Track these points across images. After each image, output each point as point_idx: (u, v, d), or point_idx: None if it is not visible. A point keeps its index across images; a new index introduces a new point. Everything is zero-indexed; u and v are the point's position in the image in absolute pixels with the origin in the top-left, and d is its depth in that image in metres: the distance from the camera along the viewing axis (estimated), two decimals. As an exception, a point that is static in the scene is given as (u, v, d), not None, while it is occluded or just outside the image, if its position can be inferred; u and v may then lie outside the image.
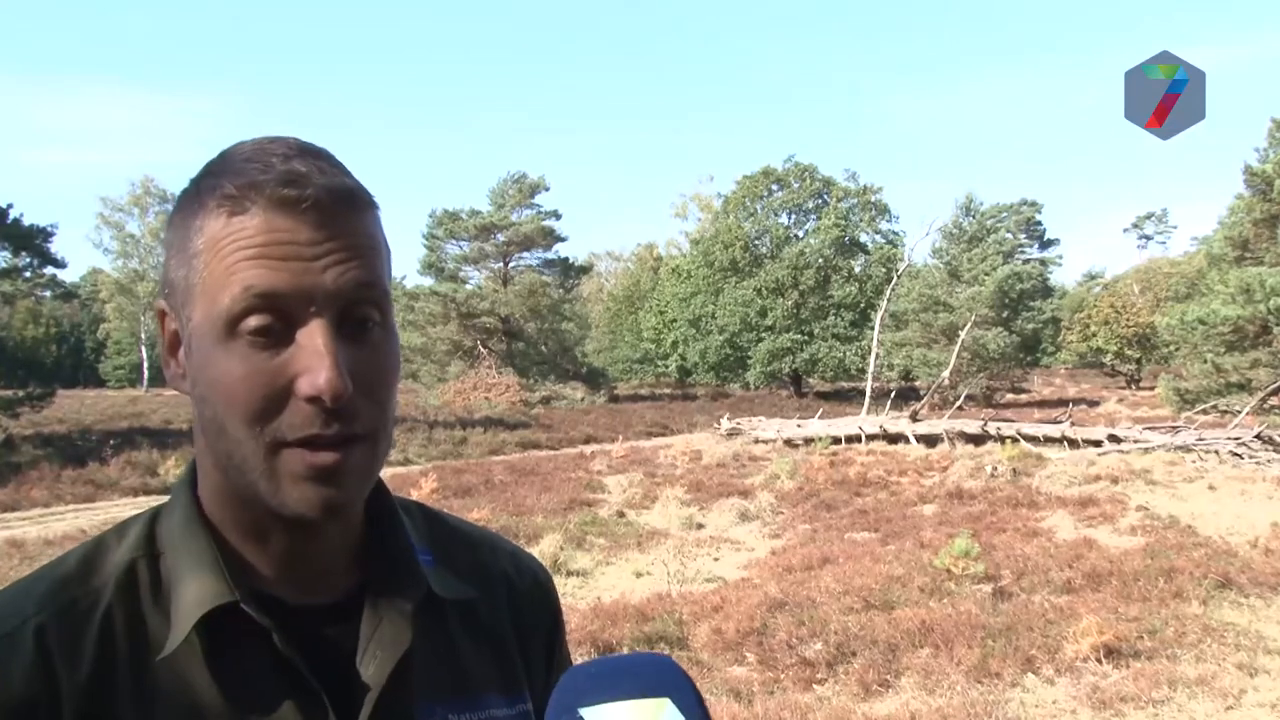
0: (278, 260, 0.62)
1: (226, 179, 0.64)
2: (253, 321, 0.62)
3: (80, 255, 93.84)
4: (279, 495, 0.64)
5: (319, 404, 0.62)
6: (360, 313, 0.65)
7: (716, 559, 9.39)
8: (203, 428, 0.66)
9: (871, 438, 19.56)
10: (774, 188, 39.66)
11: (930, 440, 18.69)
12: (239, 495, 0.66)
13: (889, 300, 27.53)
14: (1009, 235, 41.76)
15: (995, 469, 13.56)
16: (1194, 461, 13.78)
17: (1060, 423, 18.32)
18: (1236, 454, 14.02)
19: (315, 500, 0.63)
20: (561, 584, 8.06)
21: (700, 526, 11.05)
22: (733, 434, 21.04)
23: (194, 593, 0.65)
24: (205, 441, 0.67)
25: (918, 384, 35.23)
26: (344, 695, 0.67)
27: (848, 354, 36.00)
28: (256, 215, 0.63)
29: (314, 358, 0.62)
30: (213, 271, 0.63)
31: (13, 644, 0.62)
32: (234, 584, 0.65)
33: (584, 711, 0.61)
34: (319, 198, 0.63)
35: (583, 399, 33.39)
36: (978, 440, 18.24)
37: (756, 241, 39.19)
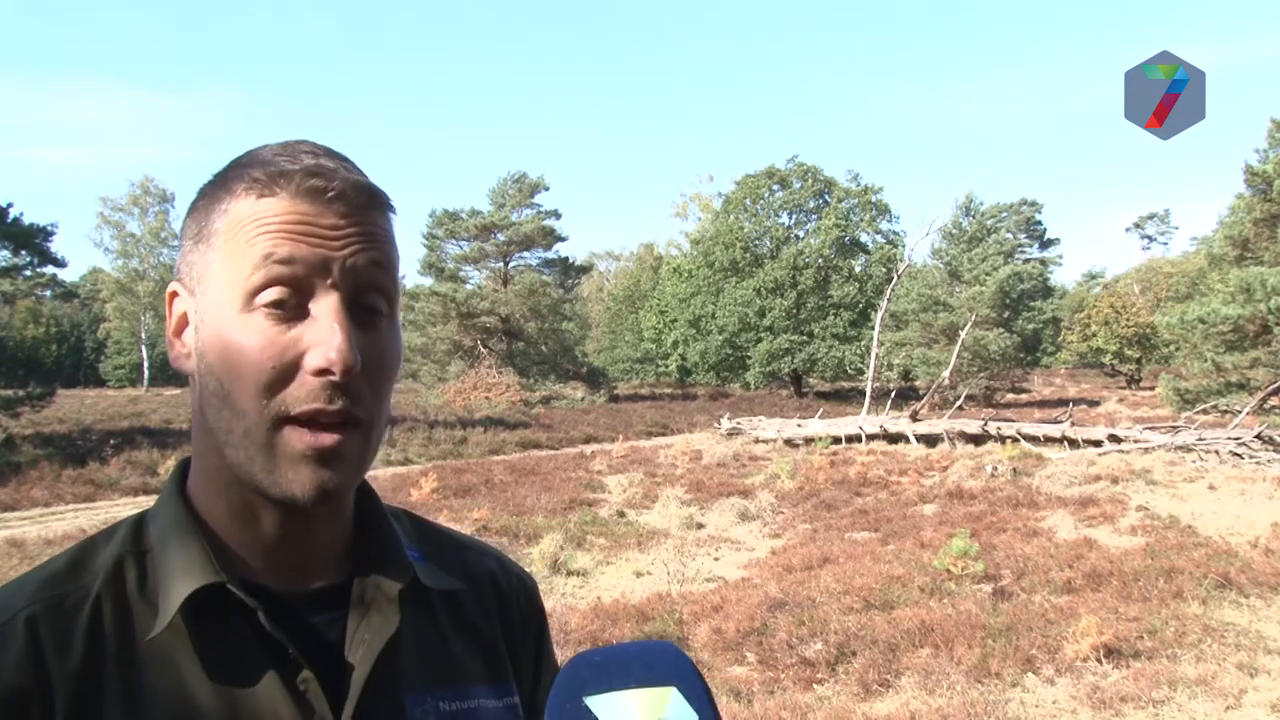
0: (300, 236, 0.65)
1: (255, 168, 0.67)
2: (270, 294, 0.65)
3: (80, 255, 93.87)
4: (274, 474, 0.65)
5: (327, 376, 0.64)
6: (370, 300, 0.68)
7: (716, 559, 9.39)
8: (204, 404, 0.68)
9: (872, 437, 19.57)
10: (775, 188, 39.64)
11: (930, 440, 18.70)
12: (233, 475, 0.67)
13: (889, 300, 27.50)
14: (1009, 235, 41.79)
15: (995, 469, 13.56)
16: (1194, 461, 13.78)
17: (1060, 423, 18.32)
18: (1236, 454, 14.01)
19: (310, 482, 0.65)
20: (561, 584, 8.06)
21: (700, 526, 11.05)
22: (733, 434, 21.04)
23: (180, 578, 0.66)
24: (204, 419, 0.68)
25: (918, 384, 35.24)
26: (333, 680, 0.67)
27: (847, 354, 35.98)
28: (284, 200, 0.66)
29: (326, 332, 0.64)
30: (234, 246, 0.66)
31: (4, 635, 0.62)
32: (221, 571, 0.66)
33: (589, 700, 0.60)
34: (344, 190, 0.67)
35: (583, 399, 33.39)
36: (978, 440, 18.25)
37: (756, 242, 39.17)
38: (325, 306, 0.65)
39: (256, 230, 0.65)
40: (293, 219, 0.65)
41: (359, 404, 0.66)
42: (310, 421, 0.64)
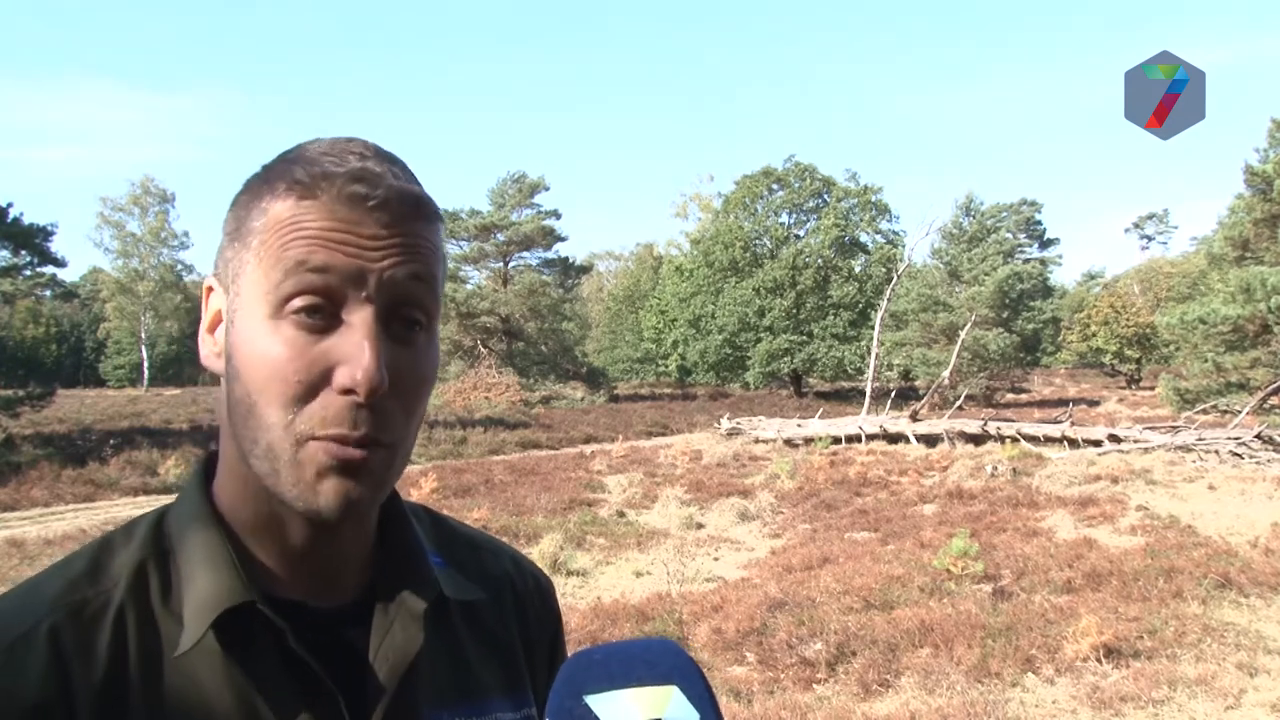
0: (336, 244, 0.62)
1: (299, 167, 0.64)
2: (301, 301, 0.62)
3: (80, 255, 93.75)
4: (298, 488, 0.63)
5: (351, 397, 0.61)
6: (409, 312, 0.65)
7: (716, 559, 9.39)
8: (230, 409, 0.65)
9: (871, 437, 19.57)
10: (774, 187, 39.64)
11: (930, 440, 18.70)
12: (260, 485, 0.65)
13: (889, 300, 27.51)
14: (1009, 235, 41.84)
15: (995, 469, 13.56)
16: (1194, 461, 13.77)
17: (1060, 422, 18.32)
18: (1236, 454, 14.01)
19: (334, 494, 0.62)
20: (561, 584, 8.06)
21: (700, 526, 11.05)
22: (733, 434, 21.04)
23: (208, 591, 0.64)
24: (231, 424, 0.66)
25: (918, 384, 35.23)
26: (357, 698, 0.66)
27: (846, 354, 35.99)
28: (325, 204, 0.63)
29: (355, 348, 0.61)
30: (269, 248, 0.63)
31: (28, 645, 0.61)
32: (249, 586, 0.64)
33: (589, 699, 0.59)
34: (388, 198, 0.63)
35: (583, 399, 33.40)
36: (978, 440, 18.25)
37: (756, 241, 39.18)
38: (358, 320, 0.62)
39: (292, 235, 0.62)
40: (331, 226, 0.62)
41: (385, 428, 0.63)
42: (333, 442, 0.62)
